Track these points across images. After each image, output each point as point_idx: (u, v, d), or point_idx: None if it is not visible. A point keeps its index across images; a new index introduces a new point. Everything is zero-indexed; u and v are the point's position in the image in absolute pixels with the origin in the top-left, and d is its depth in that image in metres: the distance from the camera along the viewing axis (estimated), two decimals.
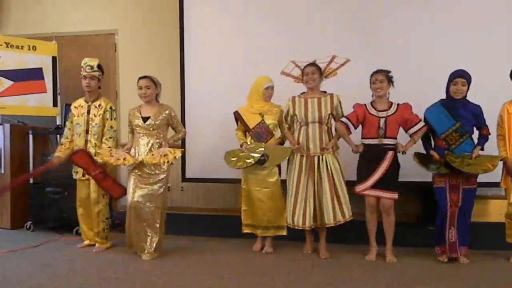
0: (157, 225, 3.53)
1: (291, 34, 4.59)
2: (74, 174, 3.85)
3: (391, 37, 4.39)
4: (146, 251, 3.50)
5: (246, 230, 3.83)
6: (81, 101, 3.87)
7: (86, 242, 3.89)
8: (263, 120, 3.72)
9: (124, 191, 3.70)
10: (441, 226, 3.31)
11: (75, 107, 3.87)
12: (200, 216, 5.30)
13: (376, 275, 3.09)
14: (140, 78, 3.59)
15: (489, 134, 3.35)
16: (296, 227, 3.56)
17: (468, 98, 3.35)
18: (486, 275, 3.06)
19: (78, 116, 3.82)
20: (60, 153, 3.86)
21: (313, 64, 3.61)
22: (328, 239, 3.65)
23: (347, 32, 4.46)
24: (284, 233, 3.70)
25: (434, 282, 2.93)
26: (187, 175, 4.96)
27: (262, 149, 3.63)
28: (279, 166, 3.74)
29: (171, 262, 3.44)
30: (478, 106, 3.33)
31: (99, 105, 3.80)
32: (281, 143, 3.79)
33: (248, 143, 3.73)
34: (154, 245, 3.50)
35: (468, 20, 4.25)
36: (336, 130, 3.59)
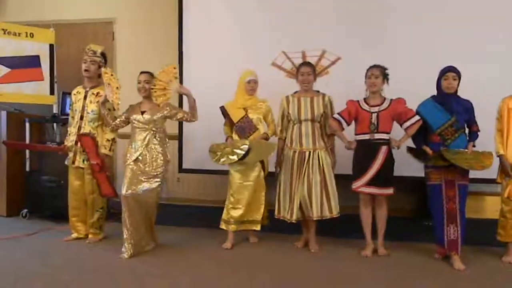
0: (153, 219, 3.56)
1: (292, 24, 4.53)
2: (66, 160, 3.78)
3: (388, 31, 4.35)
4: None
5: (222, 226, 3.74)
6: (79, 88, 3.82)
7: (74, 235, 3.80)
8: (246, 114, 3.70)
9: (113, 193, 3.66)
10: (439, 225, 3.24)
11: (74, 94, 3.82)
12: (197, 207, 5.29)
13: (371, 269, 3.10)
14: (141, 72, 3.55)
15: (479, 131, 3.33)
16: (282, 218, 3.56)
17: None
18: (479, 271, 3.08)
19: (75, 102, 3.77)
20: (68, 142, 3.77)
21: (308, 64, 3.59)
22: (323, 232, 3.66)
23: (343, 24, 4.43)
24: (258, 228, 3.68)
25: (427, 278, 2.94)
26: (184, 166, 4.94)
27: (246, 146, 3.58)
28: (262, 161, 3.68)
29: (168, 253, 3.44)
30: (469, 101, 3.32)
31: (98, 93, 3.71)
32: (266, 138, 3.75)
33: (234, 137, 3.71)
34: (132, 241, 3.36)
35: (467, 18, 4.21)
36: (329, 127, 3.56)
